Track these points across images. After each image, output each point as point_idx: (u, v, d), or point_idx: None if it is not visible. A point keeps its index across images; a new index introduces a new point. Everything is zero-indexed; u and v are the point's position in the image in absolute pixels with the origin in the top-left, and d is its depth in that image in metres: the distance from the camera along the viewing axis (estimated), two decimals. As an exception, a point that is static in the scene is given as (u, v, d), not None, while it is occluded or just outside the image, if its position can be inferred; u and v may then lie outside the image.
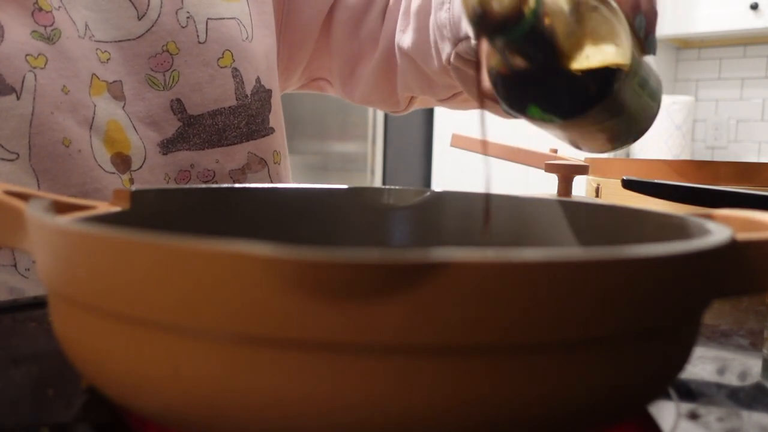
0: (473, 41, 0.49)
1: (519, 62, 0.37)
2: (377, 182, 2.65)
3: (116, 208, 0.30)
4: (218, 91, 0.55)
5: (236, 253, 0.16)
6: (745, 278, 0.23)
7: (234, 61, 0.56)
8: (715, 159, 2.20)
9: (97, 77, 0.49)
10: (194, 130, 0.54)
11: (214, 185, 0.35)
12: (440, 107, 0.87)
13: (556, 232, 0.35)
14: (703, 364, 0.31)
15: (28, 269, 0.47)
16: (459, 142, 0.77)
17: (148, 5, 0.52)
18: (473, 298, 0.16)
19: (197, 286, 0.17)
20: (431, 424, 0.17)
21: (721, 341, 0.35)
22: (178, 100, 0.53)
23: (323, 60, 0.70)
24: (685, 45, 2.82)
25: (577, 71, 0.36)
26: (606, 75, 0.37)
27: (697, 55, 2.82)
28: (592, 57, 0.36)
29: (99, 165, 0.49)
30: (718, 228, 0.24)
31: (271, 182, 0.60)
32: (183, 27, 0.53)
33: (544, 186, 2.46)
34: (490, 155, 0.74)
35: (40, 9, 0.47)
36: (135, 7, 0.51)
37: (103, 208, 0.29)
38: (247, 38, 0.57)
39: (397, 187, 0.38)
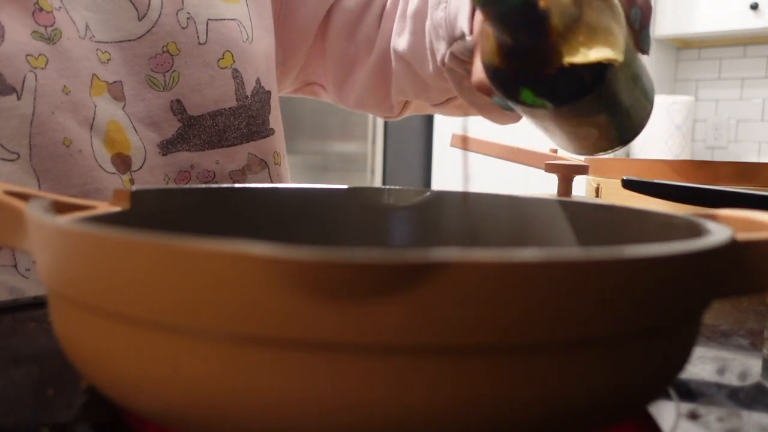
0: (468, 38, 0.49)
1: (514, 41, 0.36)
2: (377, 182, 2.65)
3: (116, 208, 0.30)
4: (218, 92, 0.55)
5: (236, 253, 0.16)
6: (745, 278, 0.23)
7: (234, 62, 0.56)
8: (715, 159, 2.20)
9: (98, 78, 0.50)
10: (194, 131, 0.54)
11: (214, 185, 0.35)
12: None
13: (556, 232, 0.35)
14: (703, 364, 0.31)
15: (29, 269, 0.47)
16: (459, 142, 0.77)
17: (149, 6, 0.52)
18: (473, 298, 0.16)
19: (197, 286, 0.17)
20: (431, 424, 0.17)
21: (721, 341, 0.35)
22: (178, 101, 0.53)
23: (318, 64, 0.70)
24: (685, 45, 2.82)
25: (571, 57, 0.36)
26: (600, 63, 0.37)
27: (697, 55, 2.82)
28: (586, 43, 0.36)
29: (99, 165, 0.49)
30: (718, 228, 0.24)
31: (272, 183, 0.60)
32: (183, 28, 0.53)
33: (544, 186, 2.46)
34: (490, 155, 0.74)
35: (41, 9, 0.47)
36: (135, 8, 0.51)
37: (103, 208, 0.29)
38: (247, 39, 0.57)
39: (397, 187, 0.38)
